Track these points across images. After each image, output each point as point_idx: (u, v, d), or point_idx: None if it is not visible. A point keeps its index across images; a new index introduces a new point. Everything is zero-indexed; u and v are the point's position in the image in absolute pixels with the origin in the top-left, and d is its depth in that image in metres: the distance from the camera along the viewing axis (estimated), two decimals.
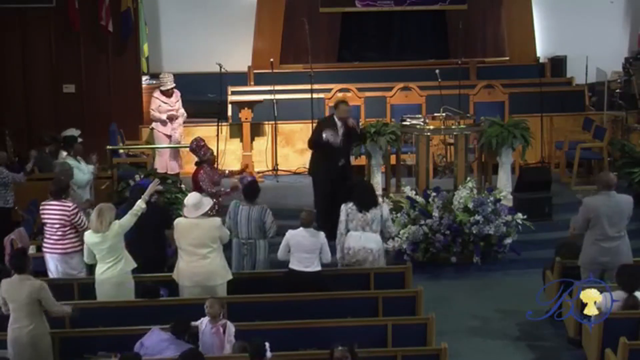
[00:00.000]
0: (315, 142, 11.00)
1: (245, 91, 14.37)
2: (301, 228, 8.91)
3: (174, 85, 13.24)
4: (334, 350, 6.88)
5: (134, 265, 8.58)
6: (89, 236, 8.51)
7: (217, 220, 8.76)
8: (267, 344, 7.12)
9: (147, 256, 9.06)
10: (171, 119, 13.18)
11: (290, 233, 8.94)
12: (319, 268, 8.88)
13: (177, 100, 13.29)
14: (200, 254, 8.54)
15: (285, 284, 8.77)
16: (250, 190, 9.38)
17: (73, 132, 12.12)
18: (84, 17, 14.22)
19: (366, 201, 9.29)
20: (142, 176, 11.72)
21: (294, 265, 8.86)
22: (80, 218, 9.18)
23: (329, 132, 10.78)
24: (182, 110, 13.29)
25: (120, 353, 7.19)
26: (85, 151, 11.51)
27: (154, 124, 13.27)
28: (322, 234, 8.99)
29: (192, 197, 8.77)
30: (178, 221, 8.80)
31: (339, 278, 9.09)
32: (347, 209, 9.30)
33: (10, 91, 14.41)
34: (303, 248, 8.82)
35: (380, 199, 9.64)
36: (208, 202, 8.80)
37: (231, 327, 7.64)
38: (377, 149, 11.57)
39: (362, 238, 9.24)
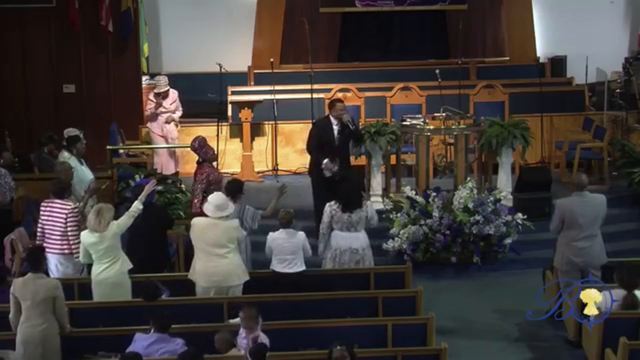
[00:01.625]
0: (311, 149, 10.99)
1: (245, 91, 14.37)
2: (281, 230, 8.91)
3: (167, 88, 13.28)
4: (332, 350, 6.88)
5: (130, 265, 8.58)
6: (86, 236, 8.51)
7: (235, 220, 8.77)
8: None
9: (147, 257, 9.05)
10: (168, 121, 13.21)
11: (271, 236, 8.95)
12: (303, 268, 8.90)
13: (173, 101, 13.33)
14: (219, 254, 8.54)
15: (270, 285, 8.75)
16: (232, 188, 9.31)
17: (75, 131, 12.09)
18: (84, 17, 14.22)
19: (351, 202, 9.25)
20: (142, 176, 11.72)
21: (276, 267, 8.86)
22: (75, 221, 9.14)
23: (328, 163, 10.66)
24: (178, 113, 13.32)
25: (120, 353, 7.19)
26: (86, 152, 11.51)
27: (148, 124, 13.33)
28: (302, 234, 8.99)
29: (216, 197, 8.74)
30: (195, 221, 8.80)
31: (339, 278, 9.09)
32: (331, 210, 9.28)
33: (10, 91, 14.40)
34: (285, 250, 8.84)
35: (365, 199, 9.57)
36: (232, 206, 8.80)
37: (263, 340, 7.43)
38: (377, 149, 11.56)
39: (348, 238, 9.25)
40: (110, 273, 8.45)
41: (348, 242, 9.25)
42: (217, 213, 8.61)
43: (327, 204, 9.37)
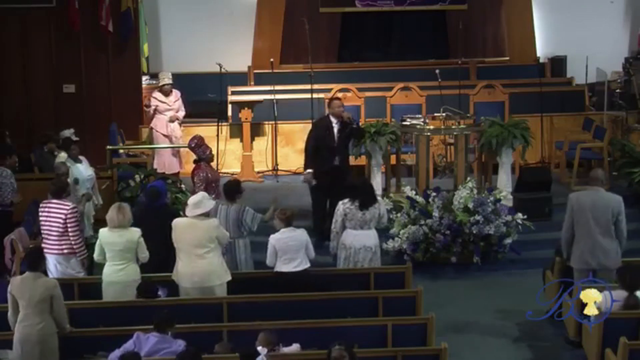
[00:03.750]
0: (307, 151, 11.05)
1: (245, 91, 14.38)
2: (282, 230, 8.82)
3: (171, 82, 13.26)
4: (331, 350, 6.88)
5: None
6: (106, 234, 8.55)
7: (215, 220, 8.76)
8: (260, 347, 7.13)
9: (167, 257, 9.04)
10: (172, 120, 13.21)
11: (274, 238, 8.82)
12: (307, 265, 8.86)
13: (177, 100, 13.33)
14: (198, 254, 8.53)
15: (276, 285, 8.71)
16: (229, 189, 9.34)
17: (71, 131, 12.09)
18: (84, 17, 14.22)
19: (369, 200, 9.29)
20: (142, 176, 11.71)
21: (283, 267, 8.78)
22: (75, 220, 9.14)
23: (308, 176, 10.82)
24: (182, 112, 13.31)
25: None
26: (84, 151, 11.49)
27: (152, 124, 13.30)
28: (304, 231, 8.96)
29: (194, 196, 8.79)
30: (176, 221, 8.80)
31: (339, 278, 9.09)
32: (344, 208, 9.27)
33: (11, 91, 14.41)
34: (291, 249, 8.78)
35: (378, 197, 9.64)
36: (210, 204, 8.79)
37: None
38: (377, 149, 11.57)
39: (362, 236, 9.25)
40: (122, 277, 8.50)
41: (362, 240, 9.24)
42: (193, 211, 8.61)
43: (340, 202, 9.35)
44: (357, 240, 9.24)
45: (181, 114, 13.34)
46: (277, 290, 8.62)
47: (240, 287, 8.72)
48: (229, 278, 8.67)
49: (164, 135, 13.24)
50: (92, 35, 14.39)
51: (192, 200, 8.74)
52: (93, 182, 10.88)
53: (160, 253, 9.03)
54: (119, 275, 8.52)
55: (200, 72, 14.98)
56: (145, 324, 7.61)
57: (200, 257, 8.53)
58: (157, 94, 13.29)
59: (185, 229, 8.64)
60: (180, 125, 13.40)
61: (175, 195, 11.47)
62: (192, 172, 10.47)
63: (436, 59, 15.75)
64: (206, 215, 8.70)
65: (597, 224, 8.77)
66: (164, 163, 13.13)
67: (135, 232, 8.59)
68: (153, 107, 13.21)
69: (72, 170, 10.55)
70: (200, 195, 8.84)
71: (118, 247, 8.51)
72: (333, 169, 10.83)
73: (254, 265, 9.42)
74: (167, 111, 13.22)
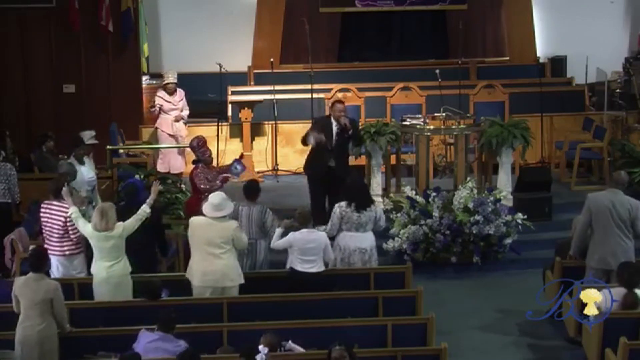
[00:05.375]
0: (303, 140, 11.06)
1: (245, 91, 14.37)
2: (302, 230, 8.84)
3: (175, 81, 13.26)
4: (331, 350, 6.88)
5: (130, 268, 8.60)
6: (93, 234, 8.51)
7: (234, 223, 8.71)
8: (261, 347, 7.14)
9: (146, 253, 9.03)
10: (177, 119, 13.20)
11: (294, 235, 8.82)
12: (323, 268, 8.87)
13: (181, 99, 13.33)
14: (213, 254, 8.51)
15: (290, 284, 8.73)
16: (250, 189, 9.36)
17: (91, 133, 12.04)
18: (84, 17, 14.21)
19: (363, 202, 9.28)
20: (141, 176, 11.72)
21: (298, 266, 8.78)
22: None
23: (315, 133, 10.74)
24: (186, 111, 13.31)
25: (120, 353, 7.19)
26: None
27: (157, 123, 13.29)
28: (324, 234, 8.98)
29: (215, 197, 8.73)
30: (193, 219, 8.79)
31: (339, 278, 9.09)
32: (341, 211, 9.26)
33: (10, 91, 14.40)
34: (310, 251, 8.77)
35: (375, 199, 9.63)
36: (230, 207, 8.76)
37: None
38: (377, 149, 11.57)
39: (357, 238, 9.24)
40: (113, 274, 8.47)
41: (357, 242, 9.24)
42: (214, 213, 8.59)
43: (337, 205, 9.35)
44: (352, 242, 9.24)
45: (185, 113, 13.34)
46: (289, 287, 8.64)
47: (253, 285, 8.72)
48: (242, 281, 8.64)
49: (170, 135, 13.23)
50: (92, 35, 14.38)
51: (212, 200, 8.67)
52: (94, 184, 10.86)
53: (146, 250, 9.02)
54: (108, 272, 8.48)
55: (200, 72, 14.95)
56: (146, 324, 7.61)
57: (217, 257, 8.51)
58: (162, 93, 13.29)
59: (201, 227, 8.63)
60: (186, 125, 13.40)
61: (176, 196, 11.47)
62: (190, 173, 10.46)
63: (436, 59, 15.74)
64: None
65: (617, 226, 8.78)
66: (169, 163, 13.12)
67: (118, 227, 8.53)
68: (158, 106, 13.20)
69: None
70: (220, 196, 8.76)
71: (107, 244, 8.48)
72: (326, 169, 10.81)
73: (269, 265, 9.42)
74: (171, 110, 13.22)
